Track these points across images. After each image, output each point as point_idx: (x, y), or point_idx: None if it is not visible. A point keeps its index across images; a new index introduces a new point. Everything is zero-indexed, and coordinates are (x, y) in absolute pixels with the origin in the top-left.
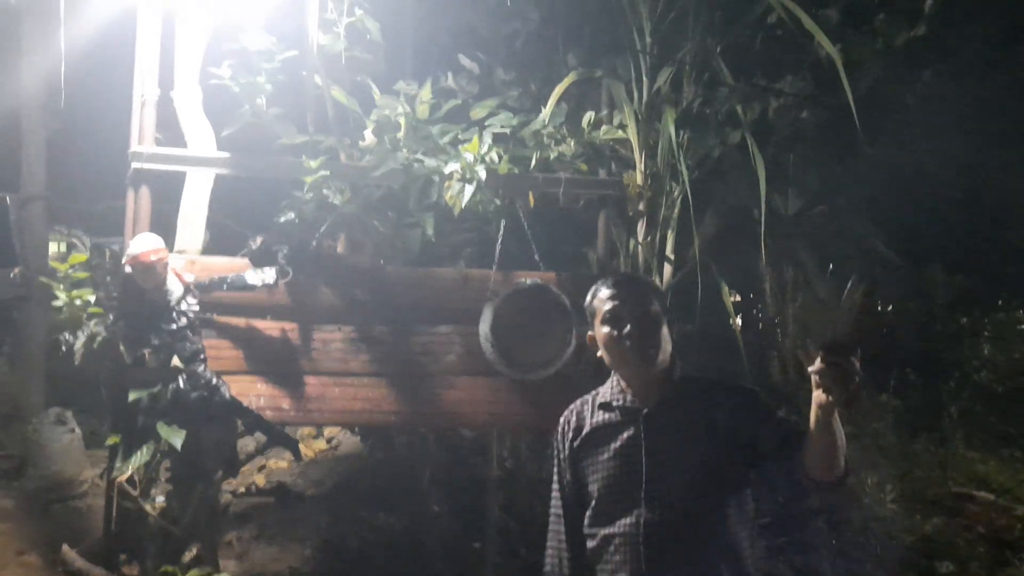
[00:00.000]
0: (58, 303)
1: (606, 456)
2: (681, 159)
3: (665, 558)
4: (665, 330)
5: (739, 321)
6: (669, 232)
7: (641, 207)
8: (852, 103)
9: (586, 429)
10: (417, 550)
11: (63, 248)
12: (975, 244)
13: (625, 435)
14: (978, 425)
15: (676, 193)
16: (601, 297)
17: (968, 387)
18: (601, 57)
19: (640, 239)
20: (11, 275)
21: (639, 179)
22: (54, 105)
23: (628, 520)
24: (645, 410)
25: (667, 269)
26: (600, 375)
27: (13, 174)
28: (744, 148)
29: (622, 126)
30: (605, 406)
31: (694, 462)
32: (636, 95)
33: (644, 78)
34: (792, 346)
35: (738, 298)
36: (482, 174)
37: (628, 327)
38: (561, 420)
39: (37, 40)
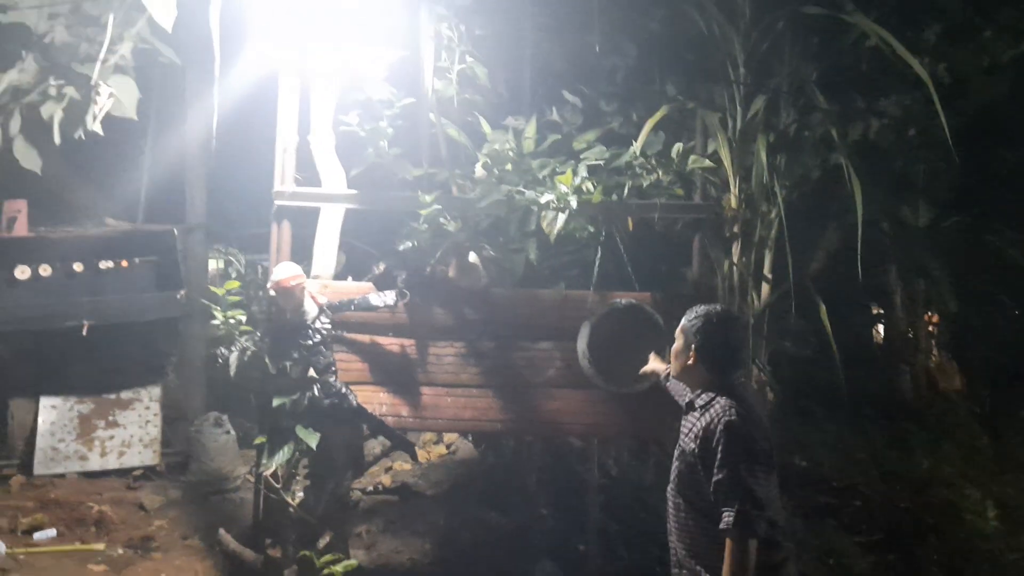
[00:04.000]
0: (216, 321)
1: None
2: (776, 182)
3: (670, 517)
4: (693, 353)
5: (880, 332)
6: (766, 252)
7: (736, 229)
8: (945, 123)
9: (682, 404)
10: (525, 549)
11: (221, 265)
12: None
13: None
14: None
15: (773, 214)
16: None
17: None
18: (698, 86)
19: (735, 259)
20: (178, 296)
21: (733, 202)
22: (210, 148)
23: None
24: (684, 405)
25: (765, 288)
26: None
27: (179, 208)
28: (864, 162)
29: (713, 155)
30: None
31: (677, 453)
32: (730, 123)
33: (738, 106)
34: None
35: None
36: (574, 203)
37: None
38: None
39: (197, 92)
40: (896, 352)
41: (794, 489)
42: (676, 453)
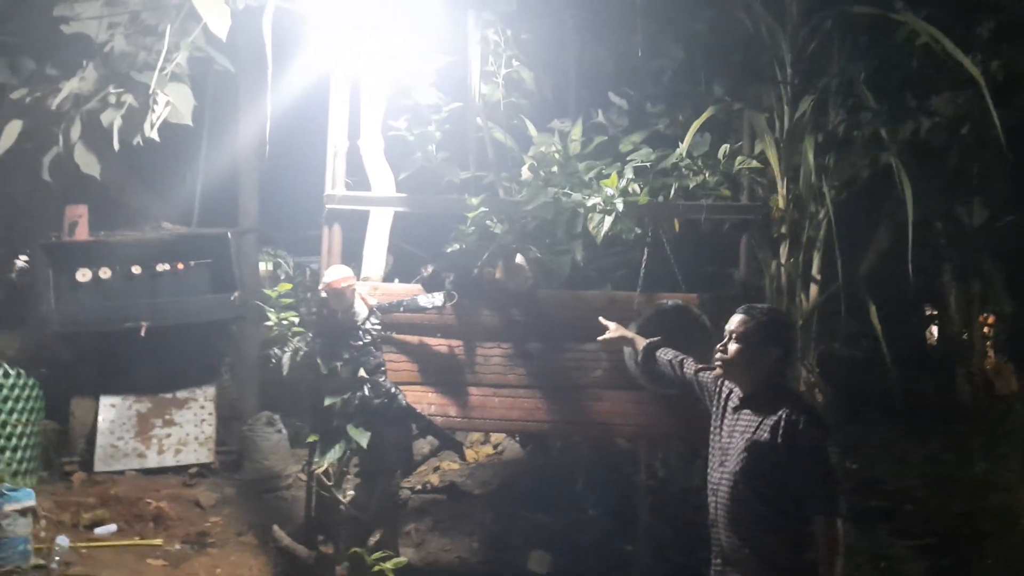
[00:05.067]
0: (269, 323)
1: (719, 414)
2: (824, 182)
3: (722, 484)
4: (755, 353)
5: (934, 334)
6: (815, 253)
7: (783, 229)
8: (997, 121)
9: (721, 401)
10: (572, 549)
11: (271, 267)
12: None
13: (730, 416)
14: None
15: (821, 215)
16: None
17: None
18: (745, 87)
19: (783, 260)
20: (231, 298)
21: (781, 203)
22: (263, 153)
23: (713, 477)
24: (737, 401)
25: (813, 289)
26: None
27: (232, 212)
28: (916, 161)
29: (760, 155)
30: (732, 393)
31: (745, 448)
32: (778, 123)
33: (785, 107)
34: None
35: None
36: (620, 206)
37: (721, 344)
38: (726, 385)
39: (250, 99)
40: (951, 354)
41: (845, 492)
42: (742, 446)
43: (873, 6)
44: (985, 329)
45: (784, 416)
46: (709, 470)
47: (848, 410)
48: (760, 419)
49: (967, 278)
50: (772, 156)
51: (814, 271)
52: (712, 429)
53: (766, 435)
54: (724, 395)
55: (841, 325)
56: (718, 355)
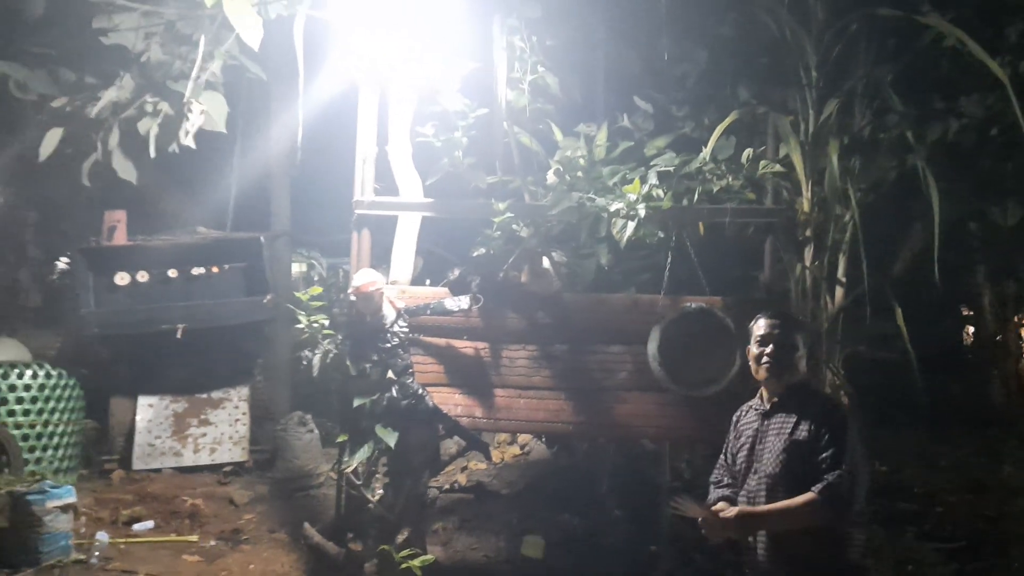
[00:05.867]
0: (300, 325)
1: (741, 442)
2: (850, 185)
3: (763, 488)
4: (797, 356)
5: (970, 334)
6: (840, 255)
7: (808, 233)
8: None
9: (739, 421)
10: (596, 549)
11: (304, 268)
12: None
13: (752, 429)
14: None
15: (847, 217)
16: (757, 323)
17: None
18: (771, 90)
19: (808, 263)
20: (264, 301)
21: (806, 206)
22: (294, 159)
23: (750, 485)
24: (767, 408)
25: (839, 292)
26: None
27: (264, 216)
28: (949, 161)
29: (785, 158)
30: (748, 408)
31: (783, 449)
32: (803, 126)
33: (811, 110)
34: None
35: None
36: (642, 211)
37: (768, 348)
38: (737, 411)
39: (282, 106)
40: (985, 356)
41: (872, 494)
42: (780, 447)
43: (899, 8)
44: (1020, 331)
45: (816, 411)
46: (741, 488)
47: (875, 413)
48: (795, 419)
49: (1001, 279)
50: (797, 159)
51: (840, 273)
52: (731, 450)
53: (803, 434)
54: (740, 416)
55: (867, 327)
56: (765, 359)
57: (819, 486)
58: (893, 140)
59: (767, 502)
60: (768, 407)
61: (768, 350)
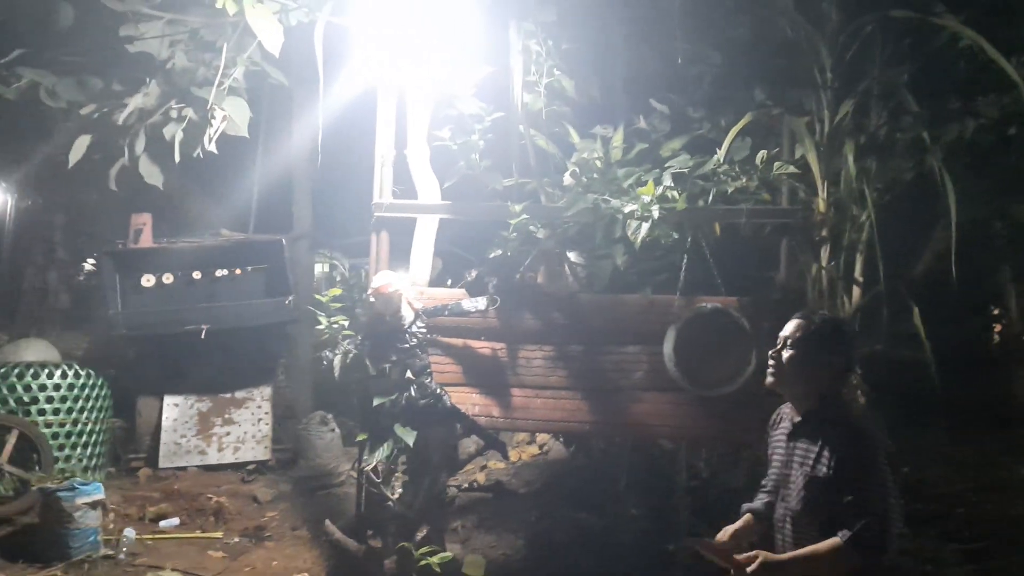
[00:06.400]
0: (320, 327)
1: (773, 456)
2: (866, 185)
3: (787, 522)
4: (811, 363)
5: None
6: (857, 256)
7: (824, 233)
8: None
9: (774, 429)
10: (614, 547)
11: (326, 268)
12: None
13: (782, 448)
14: None
15: (863, 217)
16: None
17: None
18: (786, 91)
19: (824, 263)
20: (286, 302)
21: (822, 206)
22: (315, 162)
23: (778, 512)
24: (790, 427)
25: (856, 292)
26: None
27: (286, 218)
28: (972, 159)
29: (800, 159)
30: (781, 418)
31: (804, 485)
32: (818, 127)
33: (826, 110)
34: None
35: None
36: (656, 213)
37: (775, 351)
38: (774, 414)
39: (303, 110)
40: (1011, 355)
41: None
42: (801, 482)
43: (914, 10)
44: None
45: (836, 443)
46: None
47: (897, 413)
48: (817, 450)
49: None
50: (813, 160)
51: (856, 273)
52: (769, 456)
53: (823, 470)
54: (775, 423)
55: (884, 327)
56: (770, 362)
57: (847, 534)
58: (909, 141)
59: (792, 535)
60: (792, 428)
61: (773, 352)
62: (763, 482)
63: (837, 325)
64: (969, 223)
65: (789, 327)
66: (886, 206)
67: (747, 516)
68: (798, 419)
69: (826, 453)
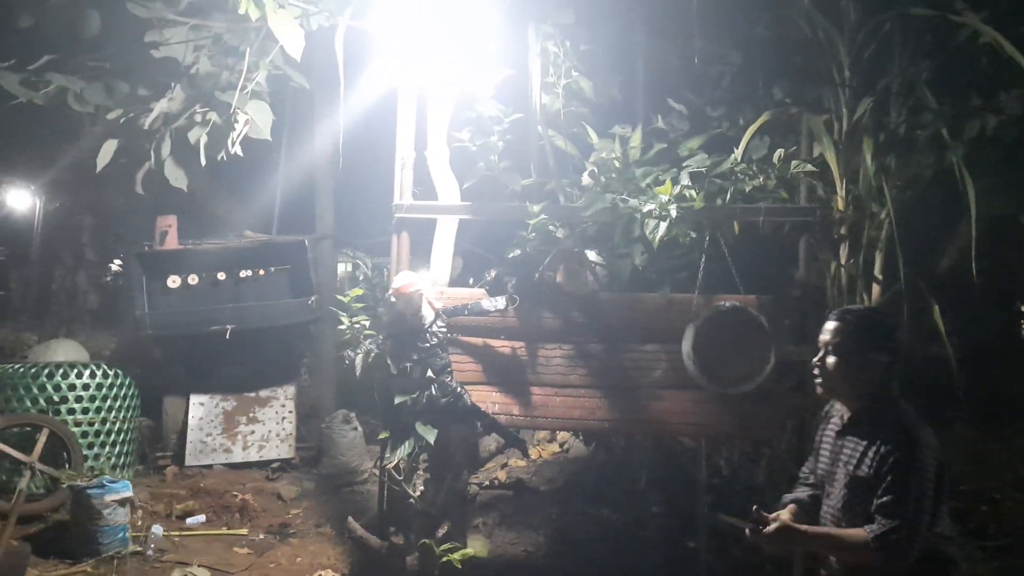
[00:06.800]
0: (342, 326)
1: (821, 452)
2: (886, 182)
3: (829, 520)
4: (857, 363)
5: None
6: (877, 253)
7: (843, 230)
8: None
9: (824, 424)
10: (635, 544)
11: (350, 268)
12: None
13: (831, 444)
14: None
15: (882, 215)
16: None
17: None
18: (805, 89)
19: (843, 261)
20: (309, 302)
21: (840, 204)
22: (337, 164)
23: (823, 509)
24: (840, 425)
25: (875, 289)
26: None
27: (309, 220)
28: (996, 154)
29: (815, 159)
30: (832, 412)
31: (846, 484)
32: (837, 125)
33: (844, 108)
34: None
35: None
36: (673, 212)
37: (818, 359)
38: (826, 406)
39: (324, 113)
40: None
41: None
42: (844, 480)
43: (933, 7)
44: None
45: (881, 441)
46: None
47: (917, 409)
48: (862, 450)
49: None
50: (831, 157)
51: (876, 271)
52: (816, 451)
53: (865, 470)
54: (825, 415)
55: (905, 324)
56: (815, 371)
57: (874, 530)
58: (929, 137)
59: (841, 515)
60: (842, 426)
61: (816, 360)
62: (802, 471)
63: (876, 319)
64: (994, 219)
65: (827, 332)
66: (906, 203)
67: (791, 506)
68: (848, 416)
69: (871, 453)
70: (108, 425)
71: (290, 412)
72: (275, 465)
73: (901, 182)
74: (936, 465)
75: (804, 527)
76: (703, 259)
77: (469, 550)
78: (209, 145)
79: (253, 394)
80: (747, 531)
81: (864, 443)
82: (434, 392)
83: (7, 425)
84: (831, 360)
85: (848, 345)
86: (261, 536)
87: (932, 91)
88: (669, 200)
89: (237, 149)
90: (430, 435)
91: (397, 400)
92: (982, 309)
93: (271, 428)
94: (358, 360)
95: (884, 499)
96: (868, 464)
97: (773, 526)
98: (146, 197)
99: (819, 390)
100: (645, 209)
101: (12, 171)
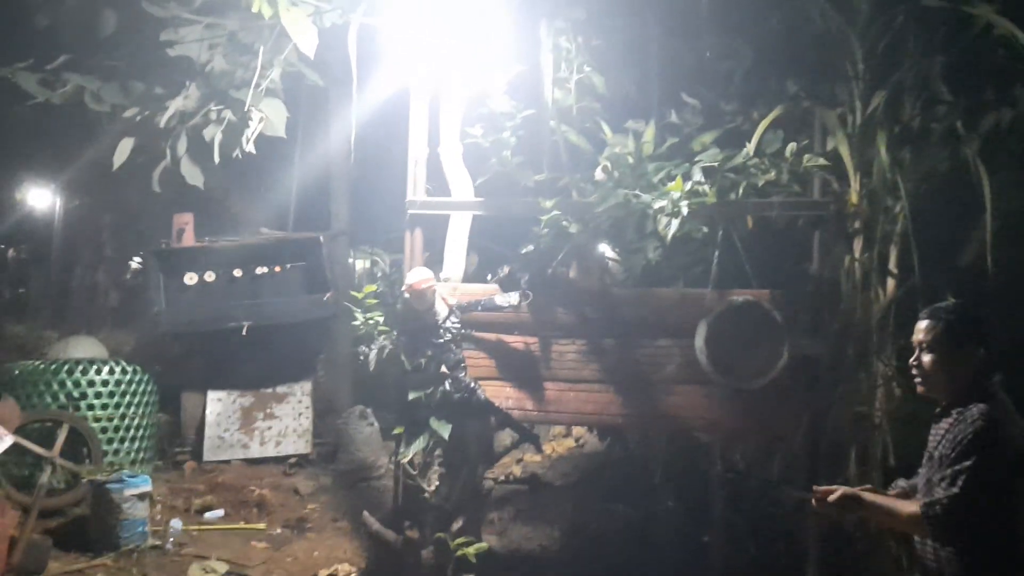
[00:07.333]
0: (357, 322)
1: (931, 431)
2: (900, 176)
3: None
4: (954, 358)
5: None
6: (892, 247)
7: (857, 224)
8: None
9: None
10: (650, 539)
11: (368, 264)
12: None
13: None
14: None
15: (897, 209)
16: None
17: None
18: (818, 82)
19: (857, 255)
20: (325, 298)
21: (854, 198)
22: (350, 160)
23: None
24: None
25: (890, 284)
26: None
27: (324, 216)
28: (1017, 147)
29: (829, 153)
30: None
31: (924, 462)
32: (850, 118)
33: (857, 102)
34: None
35: None
36: (685, 209)
37: (914, 358)
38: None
39: (338, 110)
40: None
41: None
42: (925, 462)
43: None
44: None
45: (960, 423)
46: None
47: (932, 405)
48: (943, 433)
49: None
50: (845, 151)
51: (891, 265)
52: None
53: (942, 449)
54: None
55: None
56: (914, 371)
57: (926, 500)
58: (943, 131)
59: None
60: (935, 412)
61: (913, 361)
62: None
63: (968, 313)
64: (1012, 214)
65: (920, 331)
66: (921, 197)
67: (899, 489)
68: (941, 406)
69: (951, 435)
70: (127, 421)
71: (307, 408)
72: (292, 460)
73: (916, 176)
74: (1017, 457)
75: (865, 495)
76: (716, 254)
77: (484, 544)
78: (224, 143)
79: (270, 390)
80: (813, 501)
81: (944, 429)
82: (448, 387)
83: (28, 421)
84: (927, 358)
85: (943, 341)
86: (278, 530)
87: (946, 84)
88: (680, 197)
89: (252, 147)
90: (444, 430)
91: (411, 396)
92: (1001, 305)
93: (288, 424)
94: (372, 356)
95: (944, 471)
96: (945, 444)
97: (837, 493)
98: (163, 195)
99: (919, 389)
100: (657, 205)
101: (32, 170)
